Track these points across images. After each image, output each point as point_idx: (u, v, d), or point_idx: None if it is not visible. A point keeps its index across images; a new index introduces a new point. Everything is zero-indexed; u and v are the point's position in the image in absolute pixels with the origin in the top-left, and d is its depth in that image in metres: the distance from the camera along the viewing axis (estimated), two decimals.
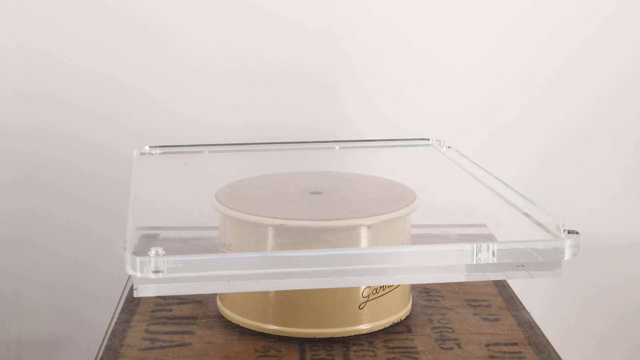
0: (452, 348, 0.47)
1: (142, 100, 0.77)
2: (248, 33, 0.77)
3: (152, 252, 0.41)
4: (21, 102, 0.77)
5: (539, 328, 0.50)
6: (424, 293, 0.54)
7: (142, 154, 0.64)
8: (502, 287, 0.56)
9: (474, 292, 0.55)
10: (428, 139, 0.67)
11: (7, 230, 0.79)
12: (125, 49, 0.76)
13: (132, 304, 0.53)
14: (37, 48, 0.76)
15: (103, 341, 0.48)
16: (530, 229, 0.46)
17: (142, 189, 0.54)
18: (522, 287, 0.60)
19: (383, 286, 0.48)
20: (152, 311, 0.52)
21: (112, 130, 0.77)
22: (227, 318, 0.50)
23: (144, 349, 0.47)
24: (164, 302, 0.53)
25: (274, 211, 0.47)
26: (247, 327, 0.49)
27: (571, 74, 0.79)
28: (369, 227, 0.47)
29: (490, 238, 0.59)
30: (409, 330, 0.49)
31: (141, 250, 0.41)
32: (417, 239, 0.52)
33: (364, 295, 0.48)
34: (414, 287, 0.54)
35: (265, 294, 0.48)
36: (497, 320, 0.51)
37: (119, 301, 0.54)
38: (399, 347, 0.47)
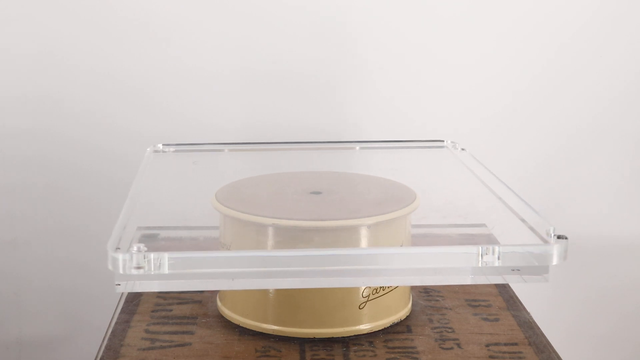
0: (452, 348, 0.47)
1: (142, 100, 0.77)
2: (248, 33, 0.77)
3: (134, 248, 0.41)
4: (21, 102, 0.77)
5: (539, 328, 0.50)
6: (424, 293, 0.54)
7: (155, 151, 0.64)
8: (502, 287, 0.56)
9: (474, 292, 0.55)
10: (443, 141, 0.66)
11: (7, 230, 0.79)
12: (125, 49, 0.76)
13: (132, 304, 0.53)
14: (37, 48, 0.76)
15: (103, 341, 0.48)
16: (523, 233, 0.46)
17: (143, 186, 0.54)
18: (522, 287, 0.60)
19: (383, 286, 0.48)
20: (152, 311, 0.52)
21: (112, 130, 0.77)
22: (227, 318, 0.50)
23: (144, 349, 0.47)
24: (164, 302, 0.53)
25: (273, 211, 0.47)
26: (247, 327, 0.49)
27: (571, 74, 0.79)
28: (368, 227, 0.47)
29: (490, 238, 0.59)
30: (409, 330, 0.49)
31: (124, 246, 0.41)
32: (417, 239, 0.52)
33: (364, 295, 0.48)
34: (414, 287, 0.54)
35: (265, 294, 0.48)
36: (497, 320, 0.51)
37: (119, 301, 0.54)
38: (399, 347, 0.47)
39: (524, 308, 0.53)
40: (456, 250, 0.42)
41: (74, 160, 0.78)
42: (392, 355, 0.46)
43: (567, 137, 0.81)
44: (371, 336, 0.48)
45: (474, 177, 0.57)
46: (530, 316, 0.51)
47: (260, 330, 0.48)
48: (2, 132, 0.77)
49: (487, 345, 0.47)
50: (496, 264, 0.41)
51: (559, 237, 0.42)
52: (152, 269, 0.41)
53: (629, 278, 0.84)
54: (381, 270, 0.42)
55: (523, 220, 0.47)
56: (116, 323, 0.50)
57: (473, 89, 0.79)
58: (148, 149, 0.64)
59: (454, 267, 0.42)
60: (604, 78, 0.80)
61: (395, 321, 0.50)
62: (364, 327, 0.48)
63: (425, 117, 0.79)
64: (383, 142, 0.68)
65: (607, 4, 0.78)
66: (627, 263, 0.84)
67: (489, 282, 0.43)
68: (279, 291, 0.47)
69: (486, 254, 0.41)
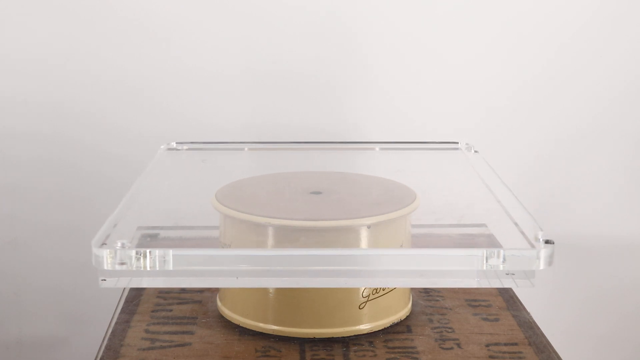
0: (452, 348, 0.47)
1: (142, 101, 0.77)
2: (248, 32, 0.77)
3: (118, 244, 0.41)
4: (21, 104, 0.77)
5: (539, 328, 0.50)
6: (424, 293, 0.54)
7: (169, 149, 0.64)
8: (502, 287, 0.56)
9: (474, 292, 0.55)
10: (457, 142, 0.66)
11: (7, 230, 0.79)
12: (124, 50, 0.76)
13: (132, 304, 0.53)
14: (37, 49, 0.76)
15: (103, 341, 0.48)
16: (515, 237, 0.46)
17: (145, 185, 0.54)
18: (521, 287, 0.60)
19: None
20: (152, 311, 0.52)
21: (112, 131, 0.77)
22: (227, 318, 0.50)
23: (144, 349, 0.47)
24: (164, 302, 0.53)
25: (273, 211, 0.47)
26: (247, 327, 0.49)
27: (571, 73, 0.79)
28: (368, 227, 0.47)
29: (490, 239, 0.59)
30: (409, 330, 0.49)
31: (110, 242, 0.42)
32: (417, 240, 0.52)
33: (364, 295, 0.48)
34: (414, 288, 0.54)
35: (265, 294, 0.48)
36: (497, 320, 0.51)
37: (119, 301, 0.54)
38: (399, 347, 0.47)
39: (524, 308, 0.53)
40: (461, 253, 0.42)
41: (74, 160, 0.78)
42: (392, 355, 0.46)
43: (567, 137, 0.81)
44: (371, 336, 0.48)
45: (479, 179, 0.56)
46: (530, 316, 0.51)
47: (260, 330, 0.48)
48: (2, 132, 0.77)
49: (487, 345, 0.47)
50: (501, 267, 0.41)
51: (547, 242, 0.42)
52: (157, 266, 0.41)
53: (629, 278, 0.84)
54: (384, 271, 0.42)
55: (516, 224, 0.46)
56: (116, 323, 0.50)
57: (473, 89, 0.79)
58: (162, 147, 0.64)
59: (459, 270, 0.42)
60: (604, 78, 0.80)
61: (395, 321, 0.50)
62: (364, 327, 0.48)
63: (426, 117, 0.79)
64: (397, 143, 0.67)
65: (607, 4, 0.78)
66: (627, 263, 0.84)
67: (490, 286, 0.43)
68: (279, 291, 0.47)
69: (491, 257, 0.41)
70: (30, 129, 0.77)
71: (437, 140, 0.67)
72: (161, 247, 0.41)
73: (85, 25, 0.75)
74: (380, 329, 0.49)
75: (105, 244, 0.42)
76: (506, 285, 0.42)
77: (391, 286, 0.48)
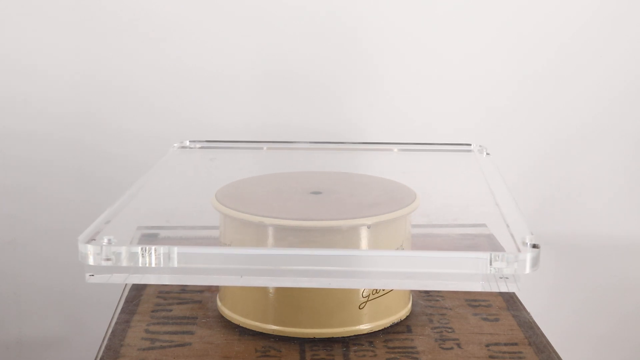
0: (452, 348, 0.47)
1: (142, 101, 0.77)
2: (247, 32, 0.77)
3: (105, 240, 0.41)
4: (21, 105, 0.77)
5: (539, 328, 0.50)
6: (424, 293, 0.54)
7: (182, 147, 0.64)
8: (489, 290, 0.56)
9: (474, 292, 0.55)
10: (470, 144, 0.66)
11: (7, 230, 0.79)
12: (124, 50, 0.76)
13: (132, 304, 0.53)
14: (37, 49, 0.76)
15: (103, 341, 0.48)
16: (505, 241, 0.45)
17: (147, 184, 0.54)
18: (521, 286, 0.60)
19: None
20: (152, 311, 0.52)
21: (112, 131, 0.77)
22: (227, 318, 0.50)
23: (144, 349, 0.47)
24: (164, 302, 0.53)
25: (273, 211, 0.47)
26: (247, 327, 0.49)
27: (571, 73, 0.79)
28: (368, 227, 0.47)
29: (490, 239, 0.59)
30: (409, 330, 0.49)
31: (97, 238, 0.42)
32: (417, 240, 0.52)
33: (364, 295, 0.48)
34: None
35: (265, 294, 0.48)
36: (497, 320, 0.51)
37: (119, 301, 0.54)
38: (399, 347, 0.47)
39: (524, 308, 0.53)
40: (467, 255, 0.41)
41: (74, 161, 0.78)
42: (392, 355, 0.46)
43: (567, 137, 0.81)
44: (371, 336, 0.48)
45: (484, 182, 0.56)
46: (530, 316, 0.51)
47: (260, 330, 0.48)
48: (2, 133, 0.77)
49: (487, 345, 0.47)
50: (506, 270, 0.41)
51: (534, 246, 0.41)
52: (162, 263, 0.41)
53: (629, 278, 0.84)
54: (389, 273, 0.42)
55: (507, 226, 0.46)
56: (116, 323, 0.50)
57: (473, 88, 0.79)
58: (175, 145, 0.65)
59: (463, 273, 0.41)
60: (604, 78, 0.80)
61: (395, 321, 0.50)
62: (364, 327, 0.48)
63: (426, 117, 0.79)
64: (412, 144, 0.67)
65: (607, 4, 0.78)
66: (627, 263, 0.84)
67: (490, 290, 0.42)
68: (279, 291, 0.47)
69: (496, 260, 0.41)
70: (30, 129, 0.77)
71: (450, 142, 0.67)
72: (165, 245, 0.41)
73: (85, 25, 0.75)
74: (380, 329, 0.49)
75: (95, 239, 0.42)
76: (494, 289, 0.41)
77: (398, 289, 0.48)
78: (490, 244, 0.58)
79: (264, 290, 0.48)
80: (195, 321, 0.50)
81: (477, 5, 0.77)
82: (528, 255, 0.41)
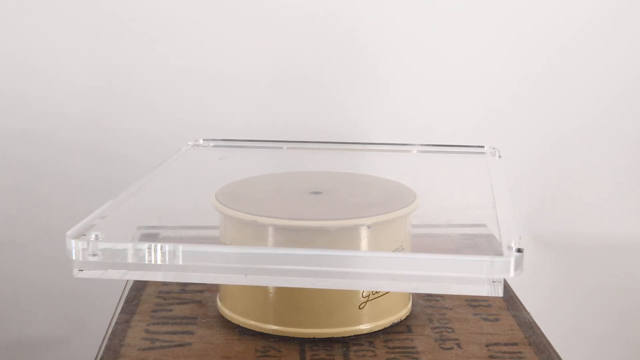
0: (452, 348, 0.47)
1: (141, 102, 0.77)
2: (247, 33, 0.77)
3: (92, 236, 0.41)
4: (21, 105, 0.77)
5: (539, 328, 0.50)
6: (424, 293, 0.54)
7: (195, 145, 0.64)
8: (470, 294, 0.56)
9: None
10: (483, 147, 0.65)
11: (7, 230, 0.79)
12: (124, 50, 0.76)
13: (132, 304, 0.53)
14: (36, 49, 0.76)
15: (103, 341, 0.48)
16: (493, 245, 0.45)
17: (149, 183, 0.54)
18: (521, 286, 0.60)
19: None
20: (152, 311, 0.52)
21: (112, 131, 0.77)
22: (227, 318, 0.50)
23: (144, 349, 0.47)
24: (164, 302, 0.53)
25: (273, 211, 0.47)
26: (247, 327, 0.49)
27: (571, 73, 0.79)
28: (368, 227, 0.47)
29: (490, 239, 0.59)
30: (409, 330, 0.49)
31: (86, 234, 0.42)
32: (417, 240, 0.52)
33: (364, 295, 0.48)
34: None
35: (265, 294, 0.48)
36: (497, 320, 0.51)
37: (119, 301, 0.54)
38: (399, 347, 0.47)
39: (524, 308, 0.53)
40: (469, 259, 0.41)
41: (74, 161, 0.78)
42: (392, 355, 0.46)
43: (568, 137, 0.81)
44: (371, 336, 0.48)
45: (488, 184, 0.56)
46: (530, 316, 0.51)
47: (260, 330, 0.48)
48: (2, 133, 0.77)
49: (487, 345, 0.47)
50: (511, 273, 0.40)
51: (518, 250, 0.41)
52: (167, 261, 0.41)
53: (629, 277, 0.84)
54: (391, 275, 0.41)
55: (499, 229, 0.46)
56: (116, 323, 0.50)
57: (473, 88, 0.79)
58: (189, 143, 0.65)
59: (467, 276, 0.41)
60: (603, 78, 0.80)
61: (395, 321, 0.50)
62: (364, 327, 0.48)
63: (426, 116, 0.79)
64: (423, 145, 0.67)
65: (607, 4, 0.78)
66: (627, 262, 0.84)
67: (472, 294, 0.42)
68: (279, 291, 0.47)
69: (480, 263, 0.40)
70: (30, 129, 0.77)
71: (463, 144, 0.66)
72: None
73: (85, 25, 0.75)
74: (380, 329, 0.49)
75: (85, 235, 0.42)
76: (474, 293, 0.41)
77: (388, 290, 0.48)
78: (489, 244, 0.58)
79: (264, 290, 0.48)
80: (195, 321, 0.50)
81: (477, 5, 0.77)
82: (512, 259, 0.40)
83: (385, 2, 0.77)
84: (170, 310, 0.52)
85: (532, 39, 0.78)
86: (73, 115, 0.77)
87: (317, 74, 0.78)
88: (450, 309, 0.52)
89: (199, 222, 0.56)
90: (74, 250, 0.41)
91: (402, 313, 0.50)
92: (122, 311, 0.52)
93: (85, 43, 0.76)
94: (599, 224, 0.82)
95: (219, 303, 0.51)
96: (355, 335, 0.48)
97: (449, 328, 0.49)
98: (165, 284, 0.55)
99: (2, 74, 0.76)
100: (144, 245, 0.41)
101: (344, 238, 0.46)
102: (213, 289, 0.54)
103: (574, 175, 0.81)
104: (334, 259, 0.41)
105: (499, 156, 0.63)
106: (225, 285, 0.50)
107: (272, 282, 0.42)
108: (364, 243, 0.47)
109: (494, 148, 0.64)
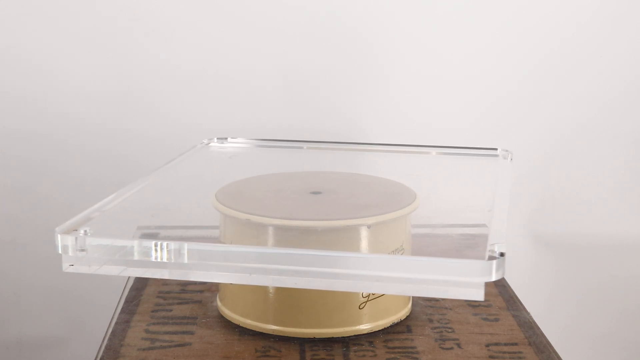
0: (452, 348, 0.47)
1: (141, 102, 0.77)
2: (248, 33, 0.77)
3: (81, 232, 0.41)
4: (21, 106, 0.77)
5: (539, 328, 0.50)
6: None
7: (208, 144, 0.65)
8: (502, 287, 0.56)
9: None
10: (496, 149, 0.65)
11: (7, 230, 0.79)
12: (123, 51, 0.76)
13: (132, 304, 0.53)
14: (37, 49, 0.76)
15: (103, 341, 0.48)
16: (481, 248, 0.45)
17: (151, 181, 0.54)
18: (521, 286, 0.60)
19: None
20: (152, 311, 0.52)
21: (112, 132, 0.77)
22: (227, 318, 0.50)
23: (144, 349, 0.47)
24: (164, 302, 0.53)
25: (273, 211, 0.47)
26: (247, 327, 0.49)
27: (571, 73, 0.79)
28: (368, 227, 0.47)
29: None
30: (409, 330, 0.49)
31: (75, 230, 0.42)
32: (417, 240, 0.52)
33: (364, 296, 0.48)
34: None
35: (265, 294, 0.48)
36: (497, 320, 0.51)
37: (119, 301, 0.54)
38: (399, 347, 0.47)
39: (524, 308, 0.53)
40: (453, 262, 0.41)
41: (74, 161, 0.78)
42: (392, 355, 0.46)
43: (567, 136, 0.81)
44: (371, 336, 0.48)
45: (491, 186, 0.56)
46: (530, 316, 0.51)
47: (260, 330, 0.48)
48: (2, 133, 0.77)
49: (487, 345, 0.47)
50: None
51: (501, 254, 0.41)
52: (173, 259, 0.41)
53: (628, 277, 0.84)
54: (393, 278, 0.41)
55: (488, 232, 0.46)
56: (116, 323, 0.50)
57: (473, 88, 0.79)
58: (204, 141, 0.65)
59: (449, 279, 0.41)
60: (603, 77, 0.80)
61: (395, 321, 0.50)
62: (364, 327, 0.48)
63: (426, 116, 0.79)
64: (435, 147, 0.66)
65: (607, 4, 0.78)
66: (627, 262, 0.84)
67: (453, 297, 0.41)
68: (279, 291, 0.47)
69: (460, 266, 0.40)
70: (30, 129, 0.77)
71: (476, 146, 0.66)
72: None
73: (86, 26, 0.75)
74: (380, 329, 0.49)
75: (76, 230, 0.42)
76: (457, 296, 0.41)
77: (384, 292, 0.48)
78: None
79: (264, 290, 0.48)
80: (195, 321, 0.50)
81: (477, 5, 0.77)
82: (493, 263, 0.40)
83: (386, 2, 0.77)
84: (170, 310, 0.52)
85: (531, 39, 0.78)
86: (73, 115, 0.77)
87: (317, 74, 0.78)
88: (450, 309, 0.52)
89: (200, 222, 0.56)
90: (61, 245, 0.41)
91: (402, 313, 0.50)
92: (122, 311, 0.52)
93: (85, 43, 0.76)
94: (599, 224, 0.82)
95: (219, 303, 0.51)
96: (355, 335, 0.48)
97: (449, 328, 0.49)
98: (165, 284, 0.55)
99: (2, 74, 0.76)
100: (164, 244, 0.41)
101: (344, 238, 0.46)
102: (213, 288, 0.54)
103: (574, 175, 0.81)
104: (333, 259, 0.41)
105: (511, 159, 0.63)
106: (225, 285, 0.50)
107: (278, 282, 0.42)
108: (364, 243, 0.47)
109: (506, 150, 0.64)
